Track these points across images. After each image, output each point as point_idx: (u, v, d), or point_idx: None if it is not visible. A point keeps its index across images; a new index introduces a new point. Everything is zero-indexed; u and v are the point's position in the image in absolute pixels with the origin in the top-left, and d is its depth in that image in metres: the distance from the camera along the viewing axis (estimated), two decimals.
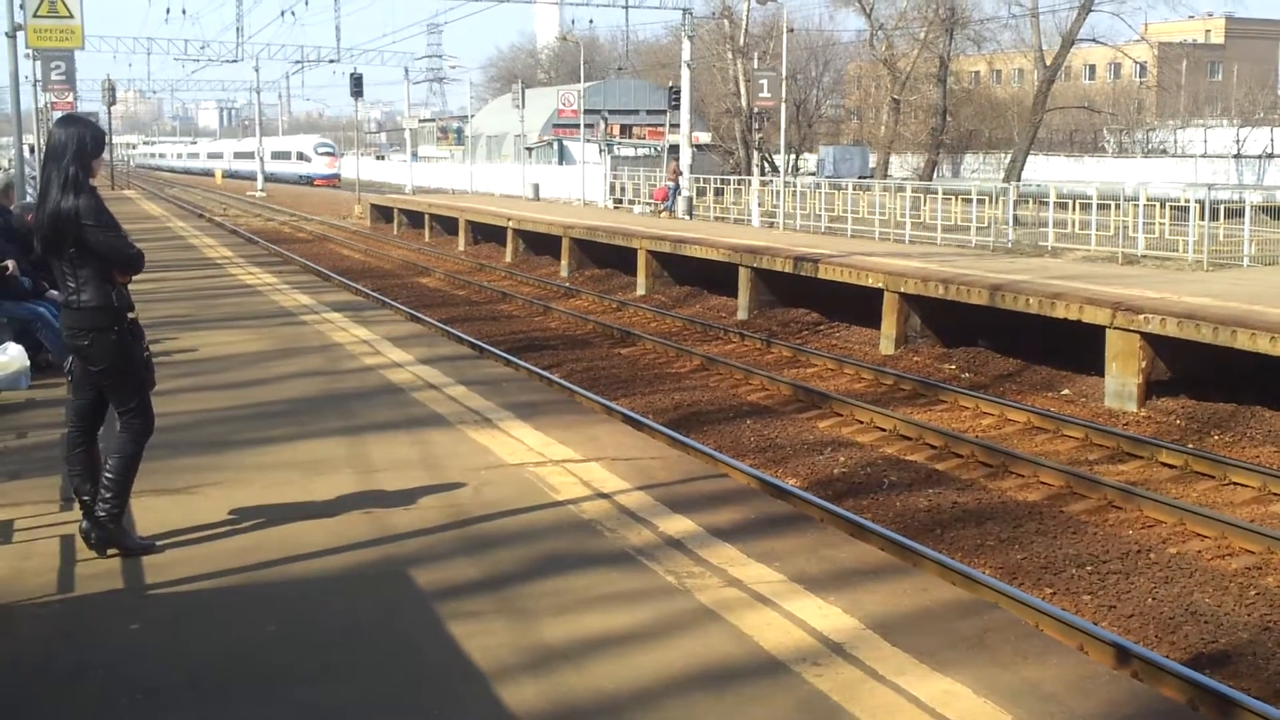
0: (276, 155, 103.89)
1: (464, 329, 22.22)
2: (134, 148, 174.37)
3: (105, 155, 7.11)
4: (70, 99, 43.40)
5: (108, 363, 6.65)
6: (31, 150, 47.22)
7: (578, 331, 23.17)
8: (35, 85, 42.31)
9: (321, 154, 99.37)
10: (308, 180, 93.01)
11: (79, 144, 6.56)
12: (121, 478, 6.71)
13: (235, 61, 77.49)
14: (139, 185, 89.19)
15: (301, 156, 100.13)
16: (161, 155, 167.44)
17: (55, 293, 11.51)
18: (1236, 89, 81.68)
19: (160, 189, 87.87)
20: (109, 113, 68.62)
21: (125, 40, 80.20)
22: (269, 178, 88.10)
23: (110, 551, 6.73)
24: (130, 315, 6.76)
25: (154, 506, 7.58)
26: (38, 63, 35.84)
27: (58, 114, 40.32)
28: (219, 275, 22.85)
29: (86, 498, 6.81)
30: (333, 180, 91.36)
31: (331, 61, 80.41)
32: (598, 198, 51.11)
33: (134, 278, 6.90)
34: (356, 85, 62.83)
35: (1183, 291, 17.11)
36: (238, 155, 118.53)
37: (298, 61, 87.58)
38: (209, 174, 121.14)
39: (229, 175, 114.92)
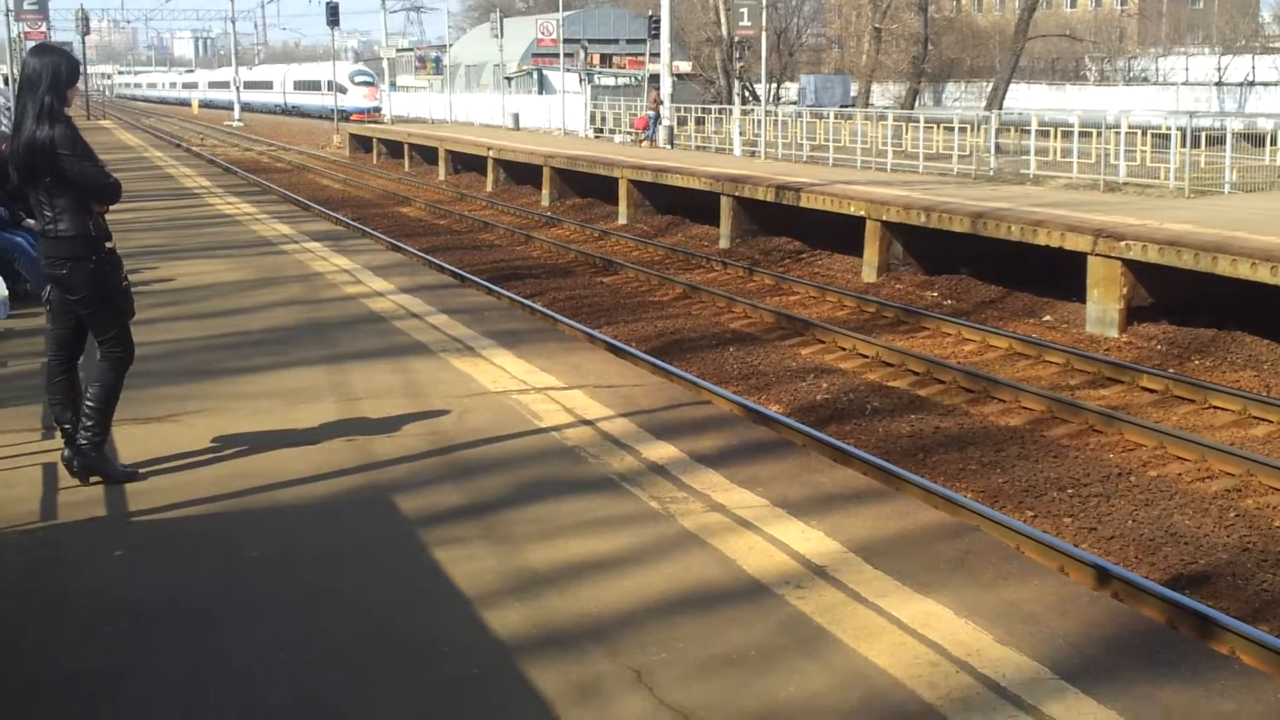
0: (302, 86, 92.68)
1: (445, 258, 22.13)
2: (109, 78, 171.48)
3: (80, 85, 7.02)
4: (43, 29, 42.93)
5: (86, 292, 6.61)
6: (5, 81, 46.76)
7: (560, 260, 23.10)
8: (8, 15, 41.78)
9: (359, 84, 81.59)
10: (344, 115, 72.16)
11: (54, 73, 6.49)
12: (103, 406, 6.68)
13: None
14: (115, 115, 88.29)
15: (334, 87, 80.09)
16: (152, 85, 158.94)
17: (32, 222, 11.45)
18: (1218, 17, 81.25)
19: (137, 119, 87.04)
20: (83, 42, 67.77)
21: None
22: (296, 111, 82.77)
23: (93, 479, 6.72)
24: (108, 245, 6.71)
25: (135, 435, 7.56)
26: None
27: (31, 44, 39.89)
28: (197, 205, 22.70)
29: (68, 426, 6.80)
30: (374, 115, 73.78)
31: None
32: (578, 127, 50.75)
33: (111, 207, 6.84)
34: (333, 14, 62.09)
35: (1164, 218, 17.11)
36: (248, 85, 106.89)
37: None
38: (211, 105, 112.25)
39: (244, 107, 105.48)
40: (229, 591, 5.42)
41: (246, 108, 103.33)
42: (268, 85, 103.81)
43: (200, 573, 5.62)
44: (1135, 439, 11.31)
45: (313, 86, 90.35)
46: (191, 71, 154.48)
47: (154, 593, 5.40)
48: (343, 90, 79.13)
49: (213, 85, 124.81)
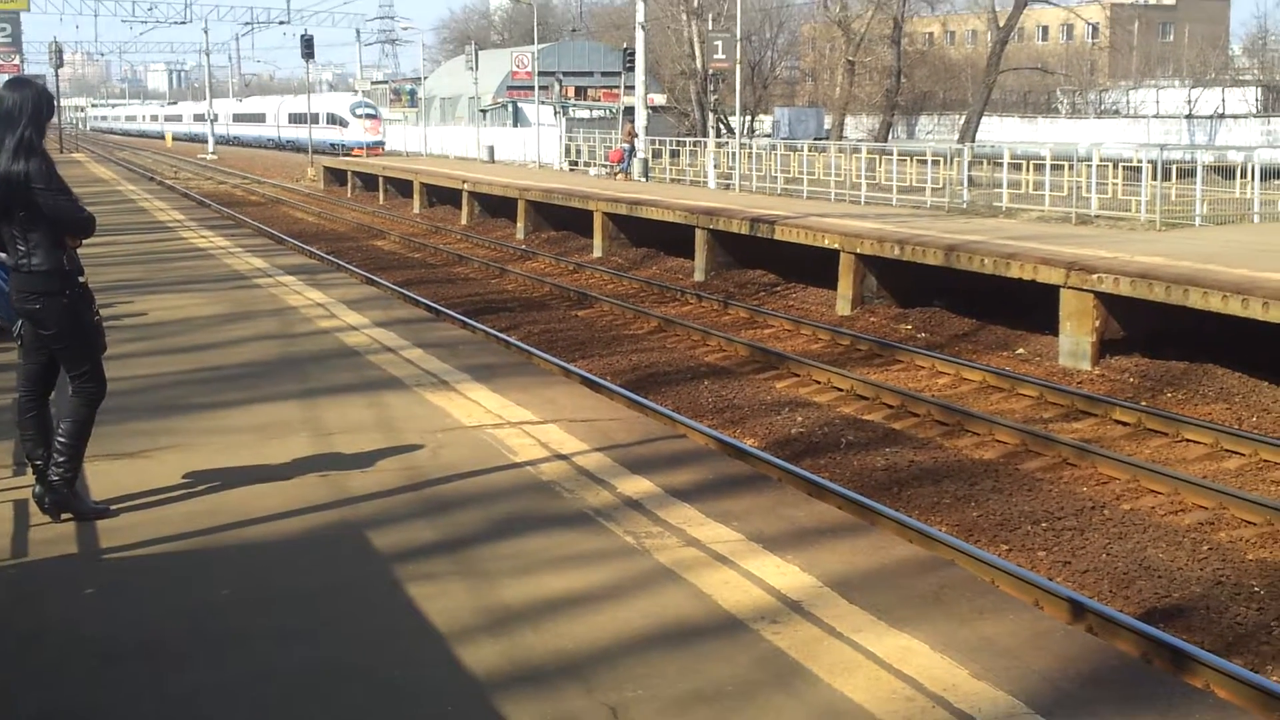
0: (298, 119, 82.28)
1: (420, 291, 22.12)
2: (82, 110, 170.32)
3: (54, 119, 7.00)
4: (16, 61, 42.82)
5: (59, 327, 6.58)
6: None
7: (535, 294, 23.11)
8: None
9: (361, 116, 75.97)
10: (344, 150, 69.68)
11: (34, 107, 6.48)
12: (74, 442, 6.64)
13: (184, 23, 76.86)
14: (88, 149, 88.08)
15: (334, 120, 77.19)
16: (131, 118, 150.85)
17: (3, 256, 11.38)
18: (1188, 50, 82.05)
19: (110, 152, 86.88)
20: (56, 75, 67.72)
21: (72, 2, 78.54)
22: (291, 146, 76.31)
23: (64, 516, 6.67)
24: (80, 279, 6.68)
25: (107, 471, 7.52)
26: None
27: (3, 77, 39.79)
28: (170, 239, 22.63)
29: (39, 462, 6.75)
30: (376, 149, 69.67)
31: (282, 23, 79.92)
32: (553, 160, 50.89)
33: (84, 241, 6.81)
34: (307, 47, 62.20)
35: (1136, 251, 17.22)
36: (238, 118, 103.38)
37: (247, 23, 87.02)
38: (196, 139, 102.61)
39: (225, 140, 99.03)
40: (200, 629, 5.38)
41: (236, 142, 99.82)
42: (259, 118, 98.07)
43: (171, 611, 5.58)
44: (1109, 472, 11.34)
45: (310, 119, 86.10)
46: (174, 104, 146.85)
47: (125, 631, 5.36)
48: (342, 123, 76.30)
49: (198, 118, 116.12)
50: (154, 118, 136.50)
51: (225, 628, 5.40)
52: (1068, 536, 9.89)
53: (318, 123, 78.55)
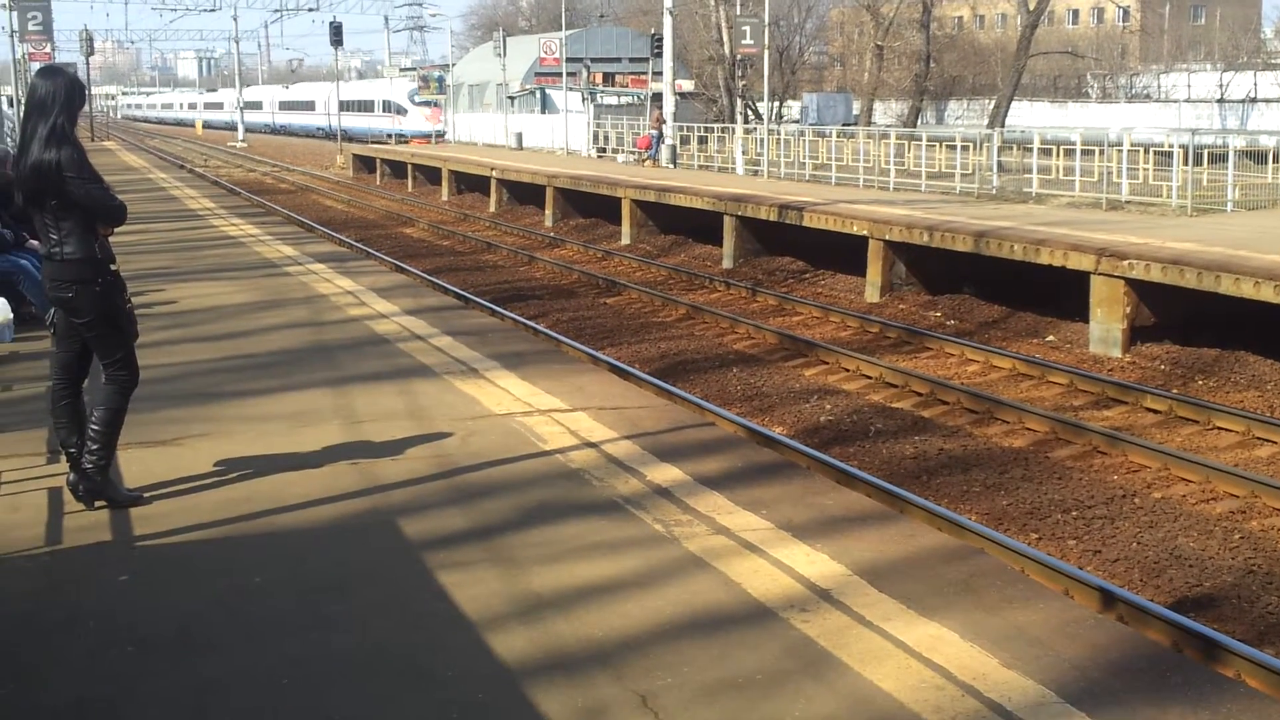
0: (350, 107, 78.27)
1: (449, 279, 22.16)
2: (112, 99, 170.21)
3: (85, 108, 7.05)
4: (48, 49, 43.03)
5: (92, 315, 6.62)
6: (10, 102, 46.90)
7: (563, 281, 23.12)
8: (12, 36, 41.91)
9: (421, 104, 72.63)
10: (402, 139, 65.41)
11: (67, 96, 6.52)
12: (107, 430, 6.69)
13: (214, 10, 76.96)
14: (119, 136, 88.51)
15: (391, 108, 74.28)
16: (168, 106, 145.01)
17: (36, 244, 11.47)
18: (1220, 33, 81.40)
19: (141, 140, 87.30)
20: (87, 63, 67.99)
21: None
22: (345, 136, 69.83)
23: (98, 503, 6.73)
24: (112, 267, 6.72)
25: (140, 458, 7.57)
26: (14, 13, 35.48)
27: (35, 65, 40.00)
28: (201, 227, 22.74)
29: (73, 450, 6.80)
30: (437, 139, 63.85)
31: (311, 10, 79.94)
32: (581, 146, 50.84)
33: (116, 229, 6.86)
34: (336, 34, 62.26)
35: (1166, 237, 17.12)
36: (284, 106, 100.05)
37: (276, 10, 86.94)
38: (276, 130, 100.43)
39: (272, 130, 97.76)
40: (233, 616, 5.42)
41: (284, 131, 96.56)
42: (308, 106, 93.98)
43: (204, 598, 5.62)
44: (1139, 460, 11.30)
45: (364, 107, 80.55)
46: (213, 91, 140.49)
47: (158, 618, 5.40)
48: (401, 111, 73.36)
49: (246, 106, 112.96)
50: (192, 105, 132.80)
51: (257, 614, 5.44)
52: (1098, 525, 9.86)
53: (373, 110, 77.74)
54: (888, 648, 5.06)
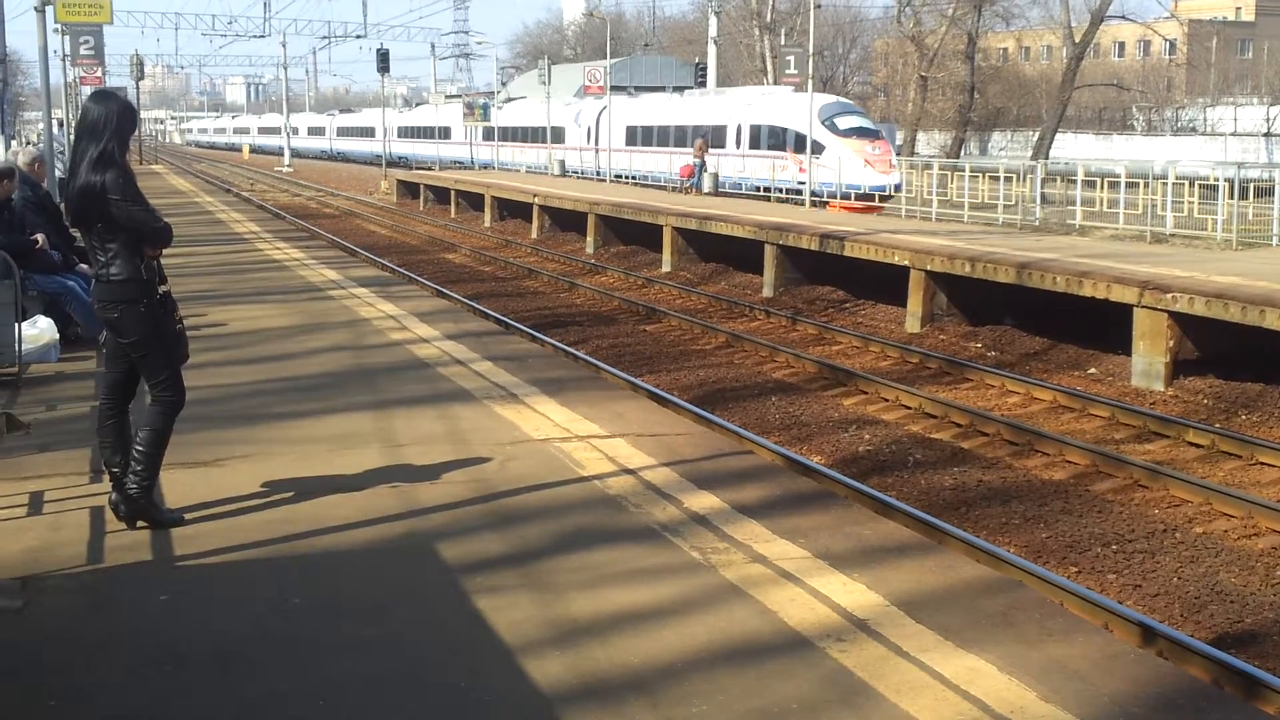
0: (408, 133, 78.04)
1: (490, 305, 22.26)
2: (161, 123, 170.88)
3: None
4: (99, 74, 43.49)
5: (137, 335, 6.69)
6: (60, 125, 47.48)
7: (603, 308, 23.18)
8: (64, 60, 42.45)
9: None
10: (466, 166, 62.23)
11: (119, 121, 6.61)
12: (152, 450, 6.75)
13: (263, 37, 77.86)
14: (166, 160, 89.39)
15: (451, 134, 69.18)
16: (242, 131, 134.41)
17: (85, 266, 11.61)
18: (1267, 67, 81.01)
19: (188, 164, 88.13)
20: (137, 88, 68.83)
21: (153, 15, 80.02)
22: (401, 162, 69.59)
23: (139, 524, 6.78)
24: (163, 288, 6.79)
25: (182, 479, 7.63)
26: (66, 37, 35.92)
27: (86, 89, 40.48)
28: (247, 250, 22.92)
29: (116, 470, 6.86)
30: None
31: (358, 37, 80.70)
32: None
33: (165, 252, 6.93)
34: (383, 61, 62.91)
35: (1211, 270, 17.02)
36: (342, 132, 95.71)
37: (324, 37, 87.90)
38: (333, 156, 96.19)
39: (329, 156, 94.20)
40: (272, 637, 5.45)
41: (341, 157, 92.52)
42: (367, 132, 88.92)
43: (243, 618, 5.66)
44: (1181, 495, 11.21)
45: (424, 134, 75.83)
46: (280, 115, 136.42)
47: (197, 637, 5.44)
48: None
49: (313, 132, 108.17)
50: (261, 130, 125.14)
51: (296, 635, 5.47)
52: (1138, 559, 9.79)
53: (438, 137, 72.18)
54: (925, 679, 5.04)
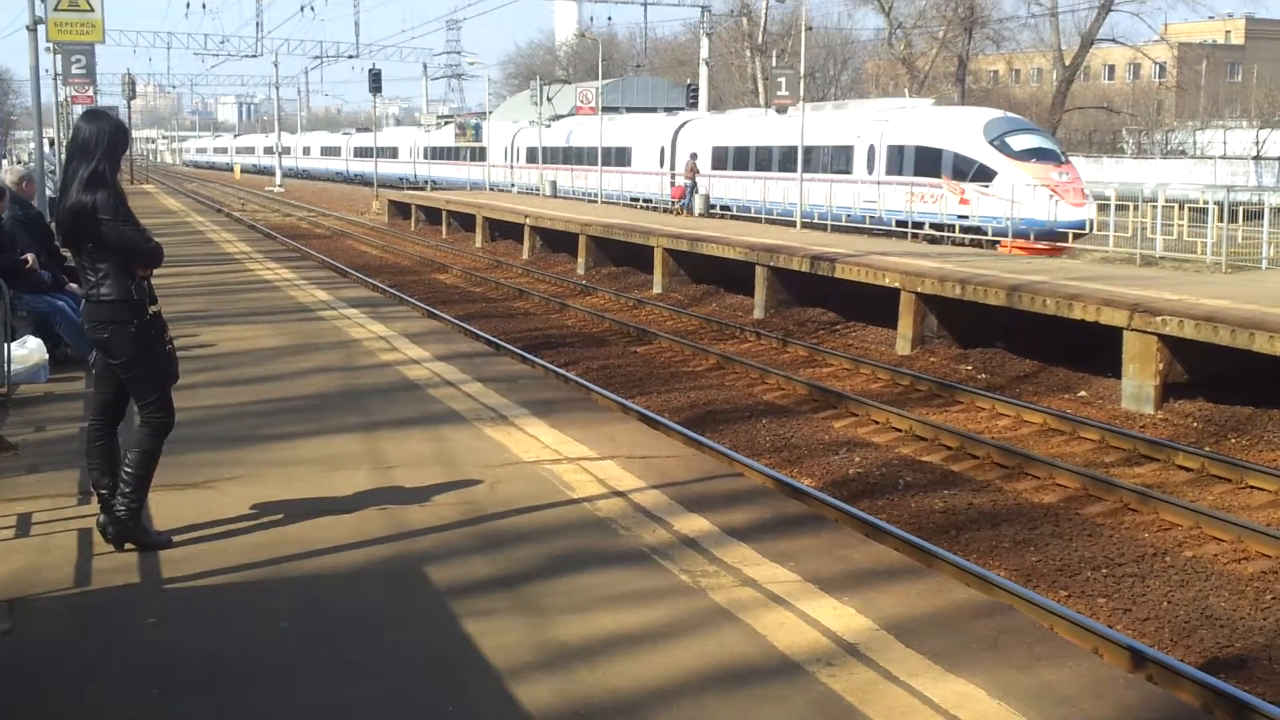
0: (438, 155, 73.09)
1: (481, 326, 22.25)
2: (153, 141, 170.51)
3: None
4: (90, 93, 43.54)
5: (127, 355, 6.68)
6: (51, 144, 47.46)
7: (594, 329, 23.19)
8: (55, 79, 42.46)
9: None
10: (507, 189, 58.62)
11: (110, 141, 6.60)
12: (141, 472, 6.73)
13: (255, 56, 77.87)
14: (157, 180, 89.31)
15: (482, 156, 65.52)
16: (247, 150, 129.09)
17: (74, 285, 11.59)
18: (1256, 90, 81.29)
19: (179, 184, 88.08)
20: (129, 107, 68.86)
21: (145, 35, 79.39)
22: (430, 185, 65.99)
23: (127, 546, 6.76)
24: (153, 308, 6.78)
25: (171, 501, 7.61)
26: (58, 56, 35.98)
27: (78, 108, 40.48)
28: (237, 270, 22.90)
29: (105, 492, 6.84)
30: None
31: (350, 57, 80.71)
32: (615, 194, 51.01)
33: (155, 271, 6.92)
34: (375, 81, 62.96)
35: (1201, 293, 17.06)
36: (360, 153, 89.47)
37: (317, 57, 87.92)
38: (350, 178, 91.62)
39: (347, 179, 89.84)
40: (260, 660, 5.43)
41: (360, 180, 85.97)
42: (391, 153, 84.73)
43: (232, 641, 5.63)
44: (1171, 518, 11.22)
45: (459, 155, 70.14)
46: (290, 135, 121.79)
47: (185, 661, 5.42)
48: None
49: (326, 151, 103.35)
50: (268, 151, 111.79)
51: (284, 659, 5.45)
52: (1128, 583, 9.79)
53: (473, 158, 67.68)
54: (915, 704, 5.03)
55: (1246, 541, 10.53)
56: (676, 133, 46.77)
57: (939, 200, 32.40)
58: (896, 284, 20.41)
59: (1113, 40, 58.61)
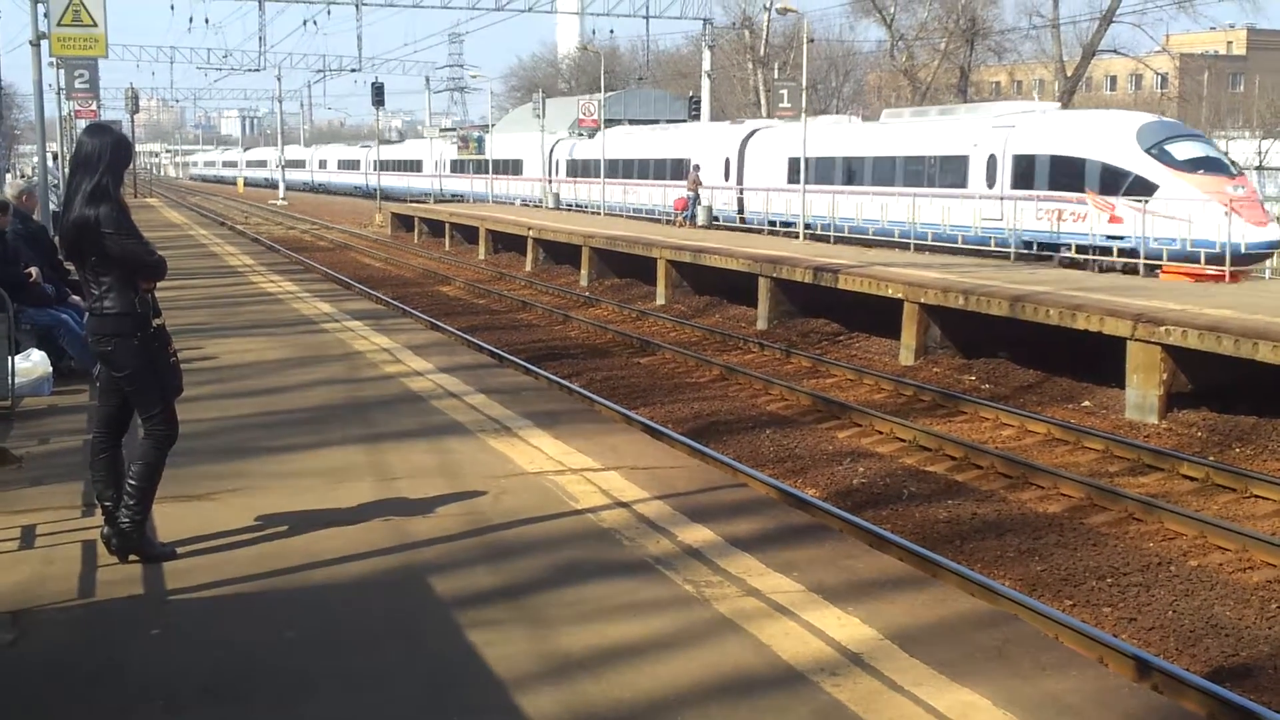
0: (466, 169, 69.30)
1: (484, 337, 22.26)
2: (156, 155, 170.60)
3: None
4: (94, 107, 43.65)
5: (130, 368, 6.69)
6: (55, 158, 47.53)
7: (597, 341, 23.19)
8: (59, 93, 42.54)
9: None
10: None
11: (114, 154, 6.62)
12: (144, 484, 6.73)
13: (258, 70, 77.75)
14: (161, 194, 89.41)
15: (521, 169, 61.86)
16: (259, 163, 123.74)
17: (77, 298, 11.60)
18: (1258, 100, 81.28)
19: (183, 197, 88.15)
20: (132, 121, 68.97)
21: (149, 49, 79.38)
22: (456, 199, 63.67)
23: (131, 557, 6.75)
24: (157, 321, 6.78)
25: (175, 513, 7.60)
26: (61, 71, 36.04)
27: (81, 122, 40.57)
28: (240, 283, 22.91)
29: (109, 503, 6.84)
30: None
31: (353, 71, 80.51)
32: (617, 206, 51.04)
33: (159, 285, 6.93)
34: (378, 94, 63.10)
35: (1204, 304, 17.05)
36: (386, 165, 79.67)
37: (319, 70, 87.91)
38: (323, 188, 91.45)
39: (367, 193, 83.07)
40: (264, 672, 5.43)
41: (389, 196, 77.06)
42: (414, 166, 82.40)
43: (235, 653, 5.63)
44: (1175, 528, 11.21)
45: (491, 168, 65.91)
46: (309, 148, 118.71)
47: (189, 673, 5.41)
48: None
49: (344, 165, 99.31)
50: (279, 165, 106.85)
51: (289, 670, 5.44)
52: (1133, 593, 9.77)
53: (508, 172, 63.67)
54: (919, 713, 5.02)
55: (1251, 551, 10.52)
56: (745, 142, 42.60)
57: (1081, 219, 27.88)
58: (899, 294, 20.41)
59: (1114, 51, 58.67)
